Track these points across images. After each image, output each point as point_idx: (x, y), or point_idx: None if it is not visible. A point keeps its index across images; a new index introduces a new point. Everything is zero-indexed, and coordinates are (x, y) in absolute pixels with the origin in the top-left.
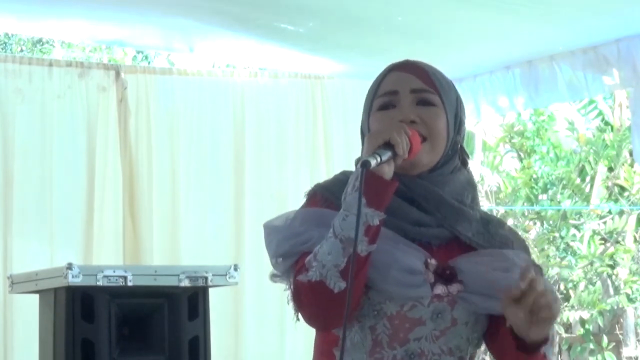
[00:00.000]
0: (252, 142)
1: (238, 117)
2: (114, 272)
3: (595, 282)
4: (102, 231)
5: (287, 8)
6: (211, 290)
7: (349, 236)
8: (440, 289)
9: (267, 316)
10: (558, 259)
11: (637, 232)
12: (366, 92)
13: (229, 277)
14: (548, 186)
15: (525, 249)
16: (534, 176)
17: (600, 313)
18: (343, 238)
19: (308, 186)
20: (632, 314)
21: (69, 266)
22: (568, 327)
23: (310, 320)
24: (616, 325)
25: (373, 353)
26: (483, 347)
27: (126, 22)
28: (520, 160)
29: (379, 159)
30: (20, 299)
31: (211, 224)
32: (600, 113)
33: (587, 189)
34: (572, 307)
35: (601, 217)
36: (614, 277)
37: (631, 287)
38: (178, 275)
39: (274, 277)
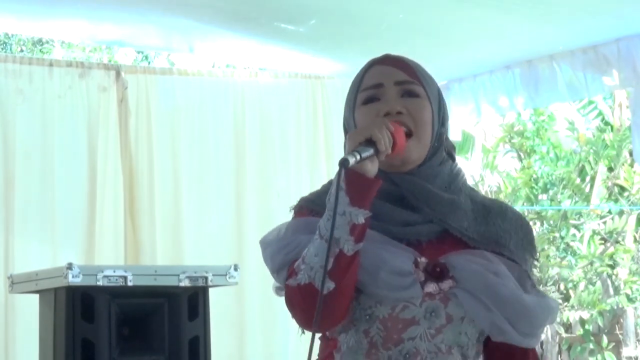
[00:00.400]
0: (252, 142)
1: (238, 117)
2: (114, 272)
3: (595, 282)
4: (104, 231)
5: (287, 8)
6: (214, 290)
7: (334, 236)
8: (431, 287)
9: (270, 316)
10: (558, 259)
11: (637, 232)
12: None
13: (229, 277)
14: (548, 186)
15: (525, 244)
16: (534, 176)
17: (600, 313)
18: (328, 239)
19: (309, 186)
20: (632, 314)
21: (69, 266)
22: (568, 327)
23: (302, 323)
24: (616, 325)
25: (369, 355)
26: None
27: (126, 22)
28: (520, 160)
29: (358, 157)
30: (21, 299)
31: (213, 223)
32: (600, 113)
33: (587, 189)
34: (572, 307)
35: (601, 217)
36: (614, 277)
37: (631, 287)
38: (178, 275)
39: (278, 290)
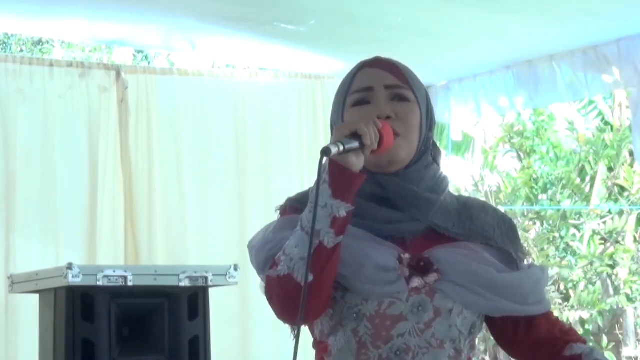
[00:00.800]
0: (253, 141)
1: (239, 117)
2: (114, 272)
3: (595, 282)
4: (104, 231)
5: (287, 8)
6: (217, 290)
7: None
8: (416, 282)
9: (272, 316)
10: (558, 259)
11: (637, 232)
12: None
13: (229, 277)
14: (548, 186)
15: (510, 235)
16: (534, 176)
17: (600, 313)
18: (309, 230)
19: (309, 185)
20: (632, 314)
21: (69, 266)
22: None
23: (280, 314)
24: (616, 325)
25: (359, 355)
26: (483, 347)
27: (126, 22)
28: (520, 160)
29: (341, 148)
30: (21, 299)
31: (214, 223)
32: (600, 113)
33: (587, 189)
34: (572, 307)
35: (601, 217)
36: (613, 277)
37: (631, 287)
38: (178, 275)
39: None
